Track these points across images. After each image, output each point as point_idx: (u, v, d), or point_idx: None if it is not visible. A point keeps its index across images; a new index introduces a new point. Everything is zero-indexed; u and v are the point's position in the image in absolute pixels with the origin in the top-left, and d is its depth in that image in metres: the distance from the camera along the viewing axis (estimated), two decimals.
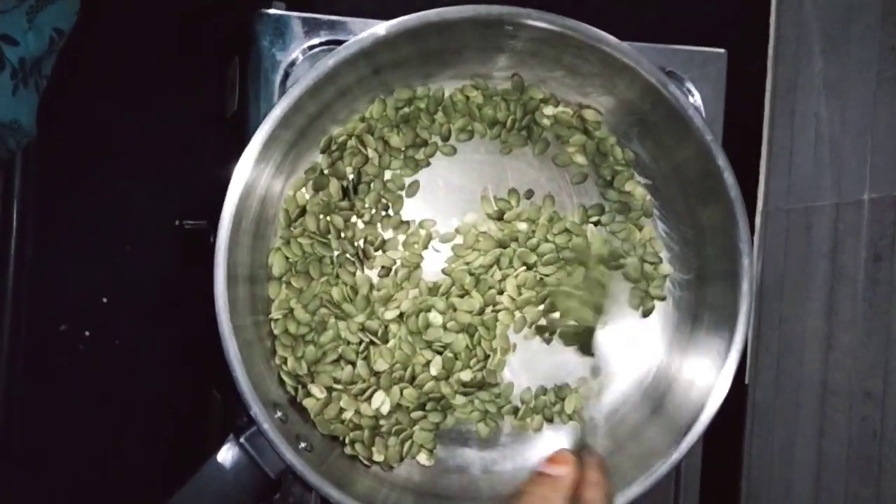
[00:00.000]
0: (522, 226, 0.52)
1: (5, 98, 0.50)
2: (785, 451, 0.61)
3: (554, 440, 0.53)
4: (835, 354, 0.56)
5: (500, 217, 0.52)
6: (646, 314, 0.53)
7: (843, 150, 0.58)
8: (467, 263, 0.52)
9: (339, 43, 0.50)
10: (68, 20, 0.54)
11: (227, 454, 0.43)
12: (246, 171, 0.44)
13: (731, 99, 0.55)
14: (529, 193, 0.53)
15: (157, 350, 0.64)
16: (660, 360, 0.53)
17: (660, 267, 0.53)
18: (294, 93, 0.44)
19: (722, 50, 0.55)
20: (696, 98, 0.53)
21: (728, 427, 0.63)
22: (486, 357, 0.51)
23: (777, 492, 0.61)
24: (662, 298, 0.53)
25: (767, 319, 0.63)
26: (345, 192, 0.50)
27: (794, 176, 0.63)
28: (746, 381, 0.65)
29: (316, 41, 0.51)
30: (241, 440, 0.44)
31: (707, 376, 0.49)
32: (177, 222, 0.62)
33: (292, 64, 0.51)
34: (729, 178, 0.46)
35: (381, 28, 0.44)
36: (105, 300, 0.64)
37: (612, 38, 0.45)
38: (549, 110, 0.52)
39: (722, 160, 0.46)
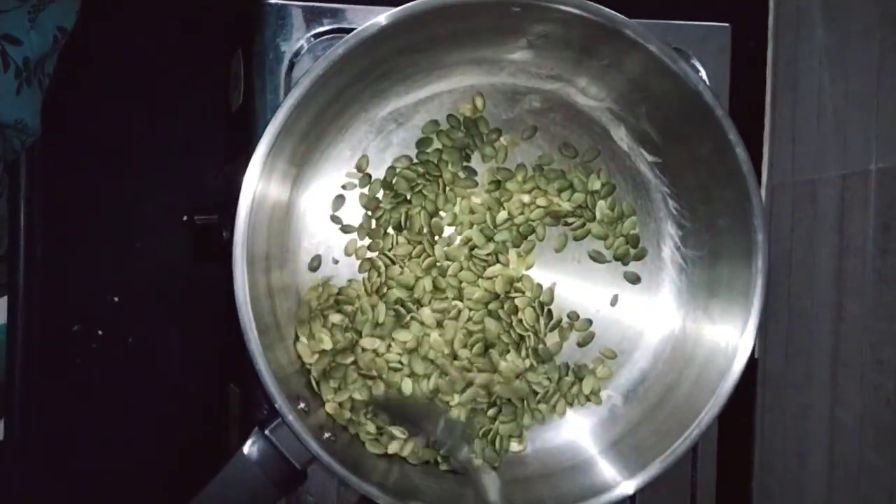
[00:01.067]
0: (525, 198, 0.52)
1: (10, 98, 0.50)
2: (797, 422, 0.61)
3: (572, 421, 0.54)
4: (845, 325, 0.57)
5: (497, 187, 0.52)
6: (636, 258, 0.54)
7: (848, 120, 0.58)
8: (468, 243, 0.52)
9: (343, 31, 0.50)
10: (70, 18, 0.53)
11: (252, 447, 0.44)
12: (258, 166, 0.44)
13: (731, 73, 0.55)
14: (538, 168, 0.53)
15: (171, 347, 0.64)
16: (675, 338, 0.53)
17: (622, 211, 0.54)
18: (304, 84, 0.43)
19: (725, 24, 0.55)
20: (702, 74, 0.53)
21: (740, 400, 0.64)
22: (522, 338, 0.52)
23: (791, 462, 0.62)
24: (637, 241, 0.54)
25: (776, 292, 0.64)
26: None
27: (799, 148, 0.63)
28: (756, 355, 0.65)
29: (319, 30, 0.51)
30: (266, 432, 0.44)
31: (723, 354, 0.49)
32: (185, 217, 0.62)
33: (297, 54, 0.51)
34: (741, 153, 0.46)
35: (384, 17, 0.44)
36: (116, 299, 0.63)
37: (620, 16, 0.45)
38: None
39: (734, 135, 0.46)
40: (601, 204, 0.53)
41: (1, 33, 0.49)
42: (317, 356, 0.48)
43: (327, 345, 0.48)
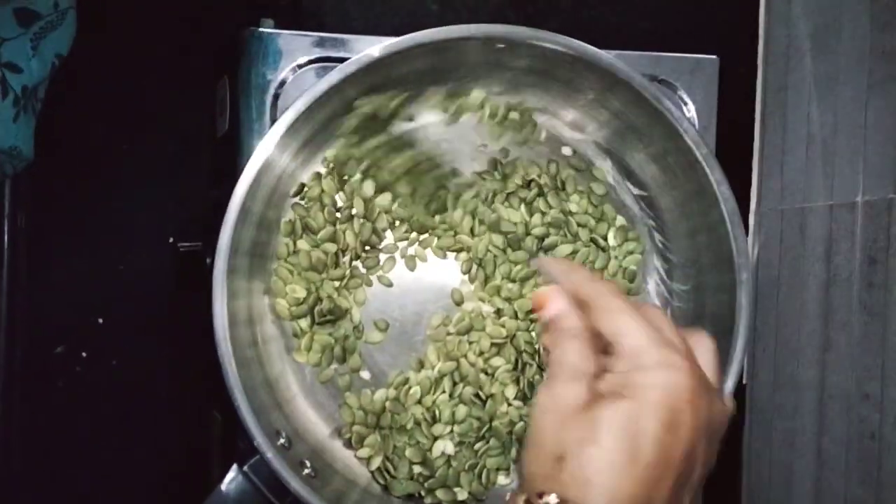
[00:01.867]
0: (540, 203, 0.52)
1: (6, 125, 0.49)
2: (785, 450, 0.61)
3: None
4: (831, 356, 0.57)
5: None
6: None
7: (836, 151, 0.58)
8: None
9: (329, 60, 0.50)
10: (67, 45, 0.53)
11: (231, 484, 0.43)
12: (241, 196, 0.44)
13: (722, 99, 0.55)
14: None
15: (156, 371, 0.64)
16: None
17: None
18: (287, 118, 0.43)
19: (714, 56, 0.55)
20: (689, 107, 0.53)
21: (727, 429, 0.63)
22: (524, 368, 0.52)
23: (777, 491, 0.61)
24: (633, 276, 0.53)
25: (764, 319, 0.64)
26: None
27: (787, 176, 0.63)
28: (744, 381, 0.65)
29: (306, 59, 0.51)
30: (245, 468, 0.44)
31: None
32: (170, 240, 0.62)
33: (282, 83, 0.51)
34: (724, 191, 0.46)
35: (376, 49, 0.44)
36: (101, 321, 0.63)
37: (604, 53, 0.45)
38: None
39: (717, 174, 0.46)
40: (611, 233, 0.53)
41: (3, 61, 0.49)
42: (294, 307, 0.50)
43: (300, 293, 0.49)
